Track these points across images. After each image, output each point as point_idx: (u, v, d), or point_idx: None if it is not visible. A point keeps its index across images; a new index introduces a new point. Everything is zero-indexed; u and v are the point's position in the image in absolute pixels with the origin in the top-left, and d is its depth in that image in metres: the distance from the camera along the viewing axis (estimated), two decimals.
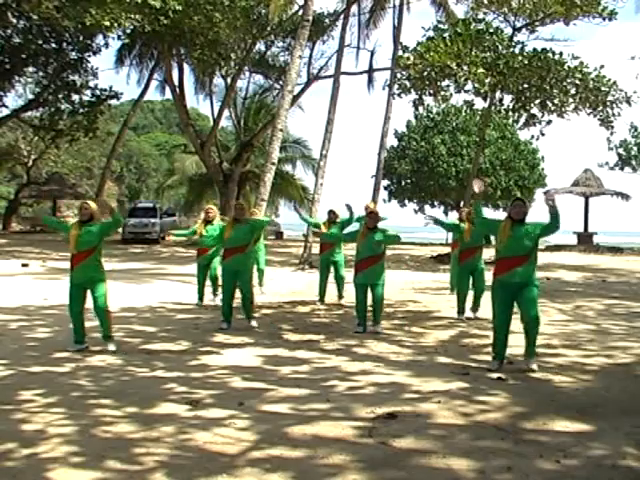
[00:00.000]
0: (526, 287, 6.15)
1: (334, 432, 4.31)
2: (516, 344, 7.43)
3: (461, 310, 9.42)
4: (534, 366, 6.14)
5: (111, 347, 6.83)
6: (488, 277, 8.96)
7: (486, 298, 9.23)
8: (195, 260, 10.95)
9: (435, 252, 22.37)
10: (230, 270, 8.49)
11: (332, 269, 11.08)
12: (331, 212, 11.11)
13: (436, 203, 32.17)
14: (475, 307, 9.48)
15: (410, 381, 5.69)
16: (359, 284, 8.32)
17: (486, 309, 8.67)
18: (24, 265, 16.13)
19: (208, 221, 10.59)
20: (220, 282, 9.14)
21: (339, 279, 11.07)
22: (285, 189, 33.86)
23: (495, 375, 5.92)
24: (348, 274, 11.14)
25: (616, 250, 27.69)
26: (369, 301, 8.34)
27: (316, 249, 19.44)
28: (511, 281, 6.15)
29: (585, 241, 29.50)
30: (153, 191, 48.85)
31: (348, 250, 11.65)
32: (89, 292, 6.93)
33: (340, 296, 11.07)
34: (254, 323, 8.51)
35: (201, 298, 10.61)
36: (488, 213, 10.10)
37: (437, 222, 8.82)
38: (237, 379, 5.75)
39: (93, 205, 7.11)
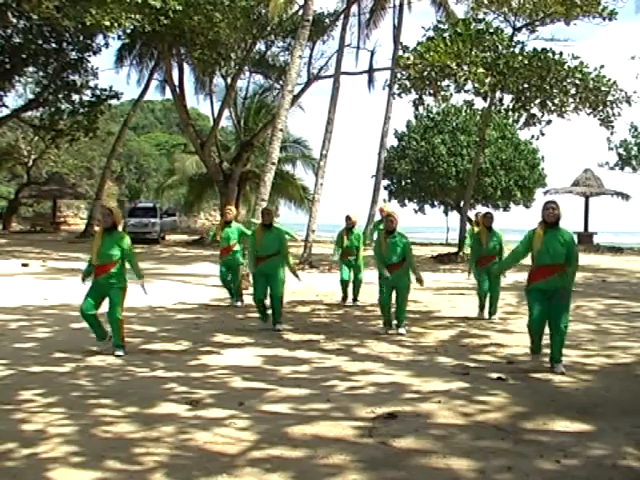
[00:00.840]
0: (560, 292, 6.05)
1: (334, 432, 4.31)
2: (516, 344, 7.45)
3: (482, 307, 9.49)
4: (561, 369, 6.07)
5: (118, 352, 6.74)
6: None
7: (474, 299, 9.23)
8: (217, 261, 10.97)
9: (435, 252, 22.36)
10: (262, 273, 8.48)
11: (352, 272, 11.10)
12: (347, 218, 11.09)
13: (436, 203, 32.12)
14: (494, 311, 9.49)
15: (410, 381, 5.69)
16: (385, 286, 8.28)
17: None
18: (24, 265, 16.12)
19: (227, 222, 10.64)
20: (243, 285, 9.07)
21: (357, 282, 11.10)
22: (285, 189, 33.83)
23: (495, 375, 5.92)
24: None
25: (616, 250, 27.69)
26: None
27: (316, 249, 19.49)
28: (547, 288, 6.05)
29: (585, 241, 29.50)
30: (153, 191, 48.78)
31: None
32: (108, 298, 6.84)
33: (355, 299, 11.09)
34: (279, 327, 8.46)
35: (233, 296, 10.66)
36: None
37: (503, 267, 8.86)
38: (237, 379, 5.75)
39: (117, 212, 7.05)
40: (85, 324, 7.00)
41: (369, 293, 11.52)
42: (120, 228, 7.16)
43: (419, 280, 8.25)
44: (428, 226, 37.93)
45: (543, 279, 6.06)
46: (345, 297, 11.12)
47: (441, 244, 30.14)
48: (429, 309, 10.41)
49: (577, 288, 13.43)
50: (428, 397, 5.17)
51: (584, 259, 22.51)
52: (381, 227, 12.50)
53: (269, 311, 8.61)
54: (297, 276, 9.06)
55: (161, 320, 9.07)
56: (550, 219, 6.11)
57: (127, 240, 6.89)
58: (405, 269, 8.24)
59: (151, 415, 4.65)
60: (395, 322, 8.34)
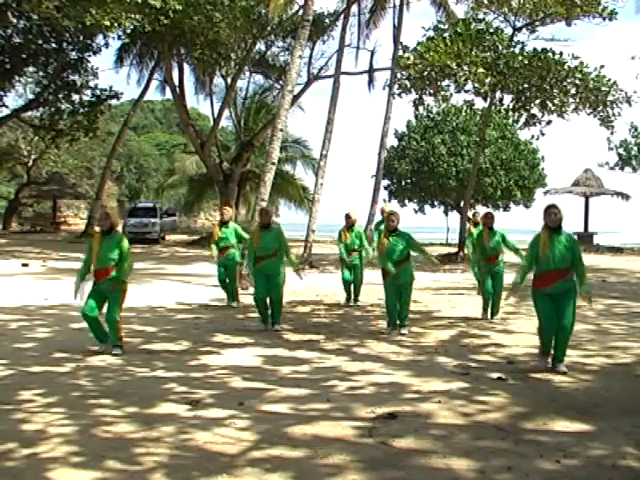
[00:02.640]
0: (567, 294, 6.05)
1: (334, 432, 4.30)
2: (516, 344, 7.45)
3: (487, 307, 9.47)
4: (563, 368, 6.07)
5: (116, 351, 6.74)
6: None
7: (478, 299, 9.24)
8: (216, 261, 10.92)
9: (435, 252, 22.35)
10: (262, 273, 8.46)
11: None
12: (347, 216, 11.06)
13: (436, 203, 32.14)
14: (496, 311, 9.46)
15: (410, 381, 5.69)
16: (390, 285, 8.27)
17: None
18: (24, 265, 16.13)
19: (224, 222, 10.63)
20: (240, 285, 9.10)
21: (358, 282, 11.09)
22: (285, 189, 33.81)
23: (495, 375, 5.92)
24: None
25: (616, 250, 27.71)
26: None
27: (316, 249, 19.48)
28: (554, 293, 6.06)
29: (585, 241, 29.50)
30: (153, 191, 48.80)
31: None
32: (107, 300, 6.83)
33: (356, 299, 11.08)
34: (278, 327, 8.45)
35: (229, 296, 10.65)
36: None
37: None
38: (237, 379, 5.75)
39: (114, 214, 7.01)
40: (85, 324, 6.99)
41: (370, 293, 11.53)
42: (120, 229, 7.12)
43: (433, 263, 8.85)
44: (428, 226, 37.90)
45: (550, 284, 6.06)
46: (349, 297, 11.07)
47: (441, 244, 30.13)
48: (429, 309, 10.41)
49: (577, 288, 13.45)
50: (428, 397, 5.17)
51: (584, 259, 22.47)
52: (382, 228, 12.50)
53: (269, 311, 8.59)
54: (300, 275, 9.04)
55: (161, 320, 9.07)
56: (553, 224, 6.09)
57: (125, 242, 6.87)
58: (407, 266, 8.24)
59: (151, 415, 4.65)
60: (398, 322, 8.33)
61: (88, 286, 6.92)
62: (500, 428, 4.42)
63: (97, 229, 7.18)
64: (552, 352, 6.22)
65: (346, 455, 3.89)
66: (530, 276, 6.38)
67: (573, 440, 4.20)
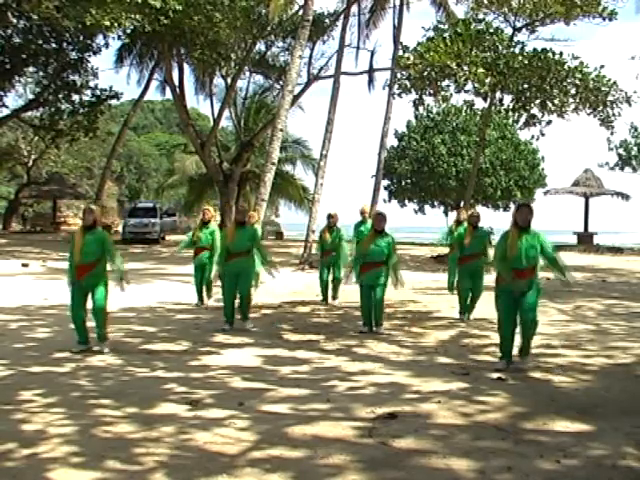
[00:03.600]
0: (528, 293, 6.08)
1: (334, 432, 4.30)
2: (516, 344, 7.44)
3: (463, 310, 9.40)
4: (528, 364, 6.18)
5: (105, 349, 6.79)
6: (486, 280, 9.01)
7: (484, 299, 9.24)
8: (192, 261, 10.90)
9: (435, 252, 22.35)
10: (232, 272, 8.45)
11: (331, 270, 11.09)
12: (330, 216, 11.11)
13: (436, 203, 32.13)
14: (471, 310, 9.41)
15: (410, 381, 5.69)
16: (364, 285, 8.29)
17: (486, 309, 8.70)
18: (24, 265, 16.13)
19: (205, 222, 10.61)
20: (218, 283, 9.10)
21: (336, 280, 11.09)
22: (285, 189, 33.82)
23: (495, 375, 5.92)
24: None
25: (616, 250, 27.71)
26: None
27: (316, 249, 19.46)
28: (515, 290, 6.07)
29: (585, 241, 29.51)
30: (153, 191, 48.83)
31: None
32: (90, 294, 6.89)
33: (335, 296, 11.09)
34: (249, 325, 8.47)
35: (201, 298, 10.61)
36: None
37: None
38: (237, 379, 5.75)
39: (97, 210, 7.03)
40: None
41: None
42: (102, 227, 7.13)
43: (396, 284, 8.32)
44: (428, 226, 37.92)
45: (513, 281, 6.05)
46: (325, 299, 11.04)
47: (441, 244, 30.11)
48: (429, 309, 10.41)
49: (577, 288, 13.44)
50: (428, 397, 5.17)
51: (584, 259, 22.58)
52: (362, 228, 12.36)
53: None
54: (272, 273, 8.93)
55: (161, 320, 9.06)
56: (524, 223, 6.11)
57: (107, 236, 6.94)
58: (384, 268, 8.22)
59: (151, 415, 4.65)
60: (374, 322, 8.32)
61: None
62: (500, 428, 4.42)
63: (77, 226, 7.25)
64: (514, 351, 6.26)
65: (346, 455, 3.89)
66: (493, 275, 6.39)
67: (573, 440, 4.20)
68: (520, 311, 6.12)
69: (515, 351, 6.30)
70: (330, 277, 11.11)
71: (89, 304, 6.95)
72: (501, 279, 6.21)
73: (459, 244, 9.56)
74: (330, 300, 11.07)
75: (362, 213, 11.88)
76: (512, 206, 31.26)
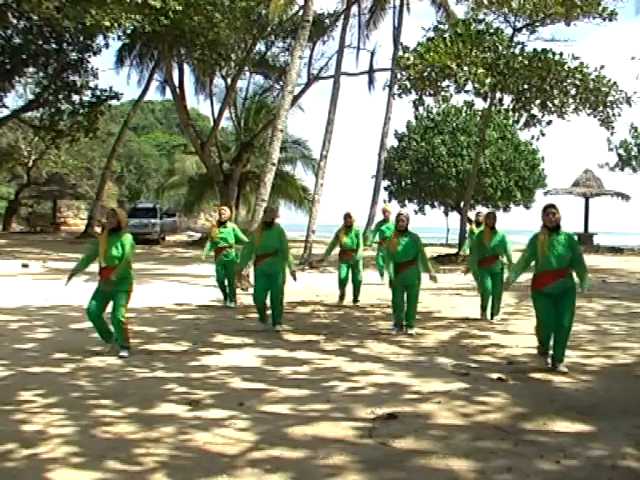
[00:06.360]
0: (566, 294, 6.08)
1: (334, 432, 4.31)
2: (516, 344, 7.45)
3: (485, 307, 9.44)
4: (564, 368, 6.08)
5: (123, 353, 6.70)
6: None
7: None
8: (213, 261, 10.85)
9: (435, 253, 22.36)
10: (263, 272, 8.44)
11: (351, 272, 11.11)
12: (347, 216, 11.09)
13: (436, 204, 32.10)
14: (497, 311, 9.42)
15: (410, 382, 5.69)
16: (398, 286, 8.26)
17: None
18: (24, 265, 16.12)
19: (221, 222, 10.63)
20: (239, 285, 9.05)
21: (357, 282, 11.09)
22: (285, 189, 33.81)
23: (495, 375, 5.92)
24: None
25: (616, 250, 27.70)
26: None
27: (316, 250, 19.47)
28: (553, 292, 6.08)
29: (585, 241, 29.49)
30: (153, 191, 48.84)
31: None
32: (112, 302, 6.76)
33: (356, 299, 11.08)
34: (278, 327, 8.41)
35: (225, 297, 10.63)
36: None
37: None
38: (237, 379, 5.75)
39: (121, 213, 6.98)
40: (85, 324, 7.00)
41: (370, 293, 11.53)
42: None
43: (433, 278, 8.48)
44: (428, 227, 37.90)
45: (550, 284, 6.07)
46: (342, 296, 11.08)
47: (441, 245, 30.12)
48: (429, 309, 10.40)
49: (577, 288, 13.46)
50: (428, 398, 5.17)
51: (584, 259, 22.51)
52: (383, 228, 12.47)
53: (269, 312, 8.58)
54: (294, 276, 8.94)
55: (161, 320, 9.06)
56: (551, 224, 6.11)
57: (130, 240, 6.79)
58: (415, 267, 8.24)
59: (151, 415, 4.65)
60: (405, 323, 8.32)
61: (90, 286, 6.91)
62: (500, 429, 4.42)
63: (97, 229, 7.19)
64: (551, 352, 6.22)
65: (346, 456, 3.89)
66: (528, 276, 6.39)
67: (573, 440, 4.20)
68: (556, 314, 6.08)
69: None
70: (350, 277, 11.08)
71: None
72: (537, 282, 6.19)
73: (478, 245, 9.47)
74: (352, 302, 11.00)
75: (384, 212, 11.89)
76: (512, 207, 31.27)
